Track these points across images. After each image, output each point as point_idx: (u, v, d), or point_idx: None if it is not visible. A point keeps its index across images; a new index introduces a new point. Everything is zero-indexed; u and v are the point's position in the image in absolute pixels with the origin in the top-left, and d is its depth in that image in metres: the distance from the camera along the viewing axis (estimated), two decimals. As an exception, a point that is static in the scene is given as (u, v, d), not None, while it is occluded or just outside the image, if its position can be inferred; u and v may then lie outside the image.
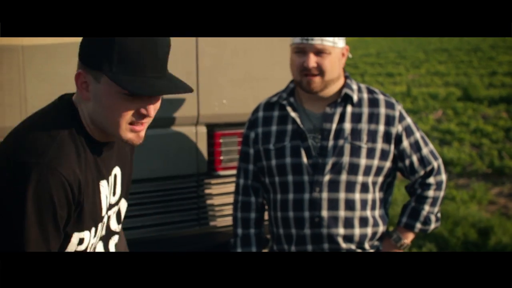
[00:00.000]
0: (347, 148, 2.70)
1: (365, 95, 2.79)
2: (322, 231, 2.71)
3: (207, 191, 3.36)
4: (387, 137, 2.74)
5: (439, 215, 2.83)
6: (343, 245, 2.72)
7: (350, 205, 2.71)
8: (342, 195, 2.70)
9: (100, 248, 2.15)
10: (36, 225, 1.82)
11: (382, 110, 2.76)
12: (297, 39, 2.69)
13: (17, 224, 1.81)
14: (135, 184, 2.99)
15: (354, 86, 2.80)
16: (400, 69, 23.55)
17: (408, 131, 2.78)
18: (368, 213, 2.74)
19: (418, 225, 2.79)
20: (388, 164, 2.76)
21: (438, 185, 2.79)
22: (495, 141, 10.51)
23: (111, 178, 2.08)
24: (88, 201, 1.93)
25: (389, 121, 2.75)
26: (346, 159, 2.69)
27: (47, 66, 2.80)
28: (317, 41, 2.65)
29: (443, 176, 2.81)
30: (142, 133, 1.94)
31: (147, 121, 1.93)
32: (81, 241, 1.96)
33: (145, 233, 3.15)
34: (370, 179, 2.73)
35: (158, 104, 1.93)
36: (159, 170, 3.19)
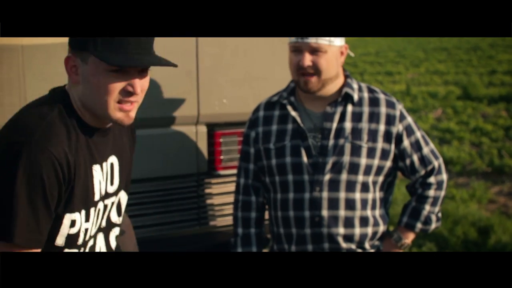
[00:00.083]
0: (347, 148, 2.70)
1: (366, 94, 2.79)
2: (323, 231, 2.70)
3: (207, 190, 3.36)
4: (387, 137, 2.74)
5: (439, 214, 2.82)
6: (343, 244, 2.72)
7: (350, 204, 2.71)
8: (342, 195, 2.70)
9: (100, 239, 2.17)
10: (26, 203, 1.84)
11: (383, 110, 2.75)
12: (293, 38, 2.69)
13: (7, 201, 1.83)
14: (135, 184, 3.00)
15: (355, 85, 2.79)
16: (399, 68, 23.54)
17: (409, 131, 2.77)
18: (369, 212, 2.74)
19: (419, 225, 2.79)
20: (388, 163, 2.75)
21: (439, 184, 2.79)
22: (495, 140, 10.51)
23: (106, 166, 2.11)
24: (79, 182, 1.96)
25: (390, 120, 2.75)
26: (346, 158, 2.69)
27: (47, 66, 2.80)
28: (312, 39, 2.64)
29: (444, 176, 2.81)
30: (132, 113, 1.99)
31: (135, 100, 1.98)
32: (73, 223, 1.98)
33: (145, 232, 3.15)
34: (370, 179, 2.73)
35: (145, 83, 2.00)
36: (159, 169, 3.19)
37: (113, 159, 2.14)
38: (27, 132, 1.87)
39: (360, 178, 2.71)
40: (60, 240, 1.99)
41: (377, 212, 2.78)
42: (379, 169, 2.74)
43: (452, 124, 11.95)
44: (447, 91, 16.37)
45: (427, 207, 2.78)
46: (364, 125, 2.73)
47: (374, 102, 2.77)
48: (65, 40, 2.05)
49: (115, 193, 2.18)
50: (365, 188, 2.73)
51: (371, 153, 2.71)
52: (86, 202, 2.01)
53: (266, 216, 2.96)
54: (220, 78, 3.29)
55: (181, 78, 3.18)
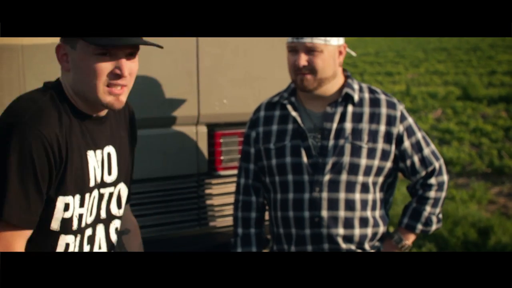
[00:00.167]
0: (347, 148, 2.69)
1: (367, 95, 2.78)
2: (322, 231, 2.70)
3: (207, 191, 3.36)
4: (388, 137, 2.73)
5: (440, 216, 2.82)
6: (343, 245, 2.71)
7: (350, 205, 2.70)
8: (342, 195, 2.69)
9: (100, 230, 2.18)
10: (16, 182, 1.89)
11: (384, 110, 2.75)
12: (289, 38, 2.70)
13: None
14: (135, 184, 2.99)
15: (356, 86, 2.79)
16: (399, 68, 23.55)
17: (410, 131, 2.77)
18: (369, 213, 2.74)
19: (420, 226, 2.79)
20: (389, 164, 2.75)
21: (440, 185, 2.79)
22: (495, 141, 10.51)
23: (102, 154, 2.14)
24: (72, 166, 2.00)
25: (390, 121, 2.74)
26: (346, 159, 2.68)
27: (47, 66, 2.79)
28: (307, 39, 2.64)
29: (445, 177, 2.80)
30: (122, 97, 2.04)
31: (124, 83, 2.03)
32: (66, 207, 2.01)
33: (146, 233, 3.13)
34: (370, 179, 2.72)
35: (134, 66, 2.05)
36: (159, 170, 3.19)
37: (110, 149, 2.17)
38: (18, 114, 1.94)
39: (360, 178, 2.70)
40: (55, 224, 2.02)
41: (377, 213, 2.77)
42: (379, 170, 2.73)
43: (452, 125, 11.96)
44: (447, 92, 16.38)
45: (428, 208, 2.78)
46: (365, 125, 2.72)
47: (374, 102, 2.77)
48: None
49: (114, 184, 2.20)
50: (365, 188, 2.72)
51: (371, 153, 2.71)
52: (80, 187, 2.04)
53: (267, 216, 2.95)
54: (221, 78, 3.28)
55: (182, 78, 3.18)
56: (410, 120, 2.79)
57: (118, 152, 2.21)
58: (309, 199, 2.70)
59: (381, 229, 2.79)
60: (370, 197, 2.74)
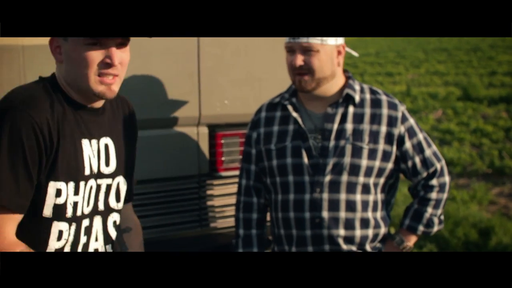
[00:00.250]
0: (348, 149, 2.69)
1: (368, 96, 2.78)
2: (323, 232, 2.69)
3: (208, 192, 3.35)
4: (389, 138, 2.73)
5: (442, 217, 2.81)
6: (344, 246, 2.70)
7: (351, 206, 2.69)
8: (343, 196, 2.69)
9: (98, 222, 2.20)
10: (6, 165, 1.93)
11: (385, 111, 2.74)
12: (287, 39, 2.70)
13: None
14: (136, 185, 2.98)
15: (357, 87, 2.78)
16: (399, 68, 23.57)
17: (411, 132, 2.76)
18: (370, 214, 2.73)
19: (421, 228, 2.78)
20: (390, 165, 2.74)
21: (441, 187, 2.78)
22: (495, 141, 10.52)
23: (98, 144, 2.16)
24: (64, 152, 2.03)
25: (392, 122, 2.74)
26: (347, 159, 2.68)
27: (48, 66, 2.78)
28: (303, 39, 2.64)
29: (447, 178, 2.80)
30: (114, 87, 2.09)
31: (115, 73, 2.07)
32: (58, 193, 2.03)
33: (147, 234, 3.12)
34: (371, 180, 2.72)
35: (124, 56, 2.10)
36: (160, 171, 3.19)
37: (107, 141, 2.20)
38: (9, 100, 1.99)
39: (361, 179, 2.70)
40: (47, 211, 2.04)
41: (378, 214, 2.77)
42: (380, 171, 2.72)
43: (452, 125, 11.97)
44: (447, 92, 16.40)
45: (429, 210, 2.77)
46: (366, 126, 2.72)
47: (376, 103, 2.76)
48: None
49: (111, 176, 2.22)
50: (366, 189, 2.71)
51: (372, 154, 2.70)
52: (74, 174, 2.07)
53: (269, 217, 2.95)
54: (222, 79, 3.28)
55: (183, 79, 3.18)
56: (411, 121, 2.78)
57: (116, 145, 2.24)
58: (310, 200, 2.69)
59: (382, 230, 2.78)
60: (371, 198, 2.73)
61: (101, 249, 2.22)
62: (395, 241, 2.80)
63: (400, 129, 2.74)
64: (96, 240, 2.20)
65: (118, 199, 2.27)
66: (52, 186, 2.02)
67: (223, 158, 3.33)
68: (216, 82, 3.27)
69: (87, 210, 2.13)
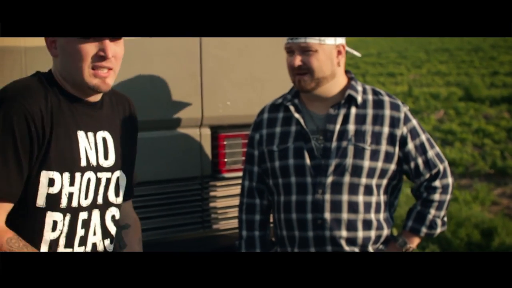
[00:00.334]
0: (350, 150, 2.68)
1: (370, 97, 2.77)
2: (325, 234, 2.68)
3: (211, 193, 3.35)
4: (391, 139, 2.72)
5: (445, 219, 2.80)
6: (346, 248, 2.70)
7: (353, 207, 2.69)
8: (345, 197, 2.68)
9: (96, 216, 2.21)
10: None
11: (387, 112, 2.74)
12: (286, 40, 2.71)
13: None
14: (138, 187, 2.98)
15: (359, 88, 2.78)
16: (401, 69, 23.58)
17: (414, 133, 2.75)
18: (372, 216, 2.72)
19: (424, 230, 2.77)
20: (392, 166, 2.73)
21: (444, 188, 2.77)
22: (497, 142, 10.52)
23: (95, 137, 2.18)
24: (58, 142, 2.05)
25: (394, 123, 2.73)
26: (349, 161, 2.67)
27: (49, 68, 2.79)
28: (301, 39, 2.64)
29: (449, 179, 2.79)
30: (108, 80, 2.12)
31: (109, 66, 2.10)
32: (51, 182, 2.05)
33: (149, 236, 3.13)
34: (374, 182, 2.71)
35: (118, 50, 2.12)
36: (162, 172, 3.18)
37: (105, 134, 2.22)
38: (5, 90, 2.04)
39: (363, 180, 2.69)
40: (40, 200, 2.06)
41: (381, 216, 2.76)
42: (383, 172, 2.72)
43: (454, 126, 11.97)
44: (449, 92, 16.39)
45: (432, 211, 2.76)
46: (368, 127, 2.71)
47: (378, 104, 2.75)
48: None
49: (111, 170, 2.24)
50: (368, 191, 2.71)
51: (374, 155, 2.69)
52: (69, 165, 2.09)
53: (272, 219, 2.94)
54: (224, 80, 3.28)
55: (185, 80, 3.17)
56: (414, 122, 2.78)
57: (115, 140, 2.26)
58: (312, 201, 2.68)
59: (385, 232, 2.77)
60: (373, 199, 2.72)
61: (99, 243, 2.23)
62: (398, 243, 2.79)
63: (402, 130, 2.73)
64: (94, 234, 2.21)
65: (117, 193, 2.28)
66: (45, 176, 2.04)
67: (225, 160, 3.32)
68: (219, 83, 3.26)
69: (85, 203, 2.15)
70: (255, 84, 3.36)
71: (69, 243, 2.12)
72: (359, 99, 2.74)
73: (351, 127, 2.71)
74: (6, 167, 1.97)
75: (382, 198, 2.76)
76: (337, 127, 2.70)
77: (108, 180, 2.23)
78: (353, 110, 2.73)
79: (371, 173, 2.69)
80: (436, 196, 2.76)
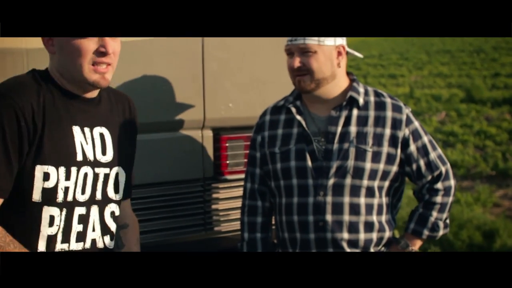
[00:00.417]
0: (352, 152, 2.67)
1: (372, 98, 2.77)
2: (327, 236, 2.68)
3: (213, 195, 3.35)
4: (393, 141, 2.72)
5: (447, 221, 2.79)
6: (348, 250, 2.69)
7: (355, 209, 2.68)
8: (346, 199, 2.67)
9: (94, 212, 2.21)
10: None
11: (389, 114, 2.73)
12: (285, 42, 2.71)
13: None
14: (140, 189, 2.98)
15: (361, 89, 2.77)
16: (402, 70, 23.58)
17: (416, 135, 2.75)
18: (374, 218, 2.71)
19: (426, 232, 2.76)
20: (394, 168, 2.73)
21: (446, 190, 2.76)
22: (499, 143, 10.51)
23: (91, 133, 2.20)
24: (52, 137, 2.06)
25: (396, 124, 2.72)
26: (350, 162, 2.66)
27: (50, 68, 2.80)
28: (300, 40, 2.65)
29: (452, 182, 2.78)
30: (107, 75, 2.14)
31: (109, 62, 2.12)
32: (46, 177, 2.07)
33: (151, 238, 3.13)
34: (375, 184, 2.70)
35: (116, 46, 2.14)
36: (164, 174, 3.18)
37: (102, 130, 2.24)
38: None
39: (365, 182, 2.68)
40: (36, 195, 2.07)
41: (383, 218, 2.75)
42: (385, 174, 2.71)
43: (456, 127, 11.96)
44: (451, 94, 16.39)
45: (434, 214, 2.75)
46: (370, 129, 2.71)
47: (380, 106, 2.75)
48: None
49: (109, 166, 2.25)
50: (370, 193, 2.70)
51: (376, 157, 2.69)
52: (64, 159, 2.10)
53: (274, 221, 2.94)
54: (226, 82, 3.28)
55: (187, 82, 3.17)
56: (416, 123, 2.77)
57: (113, 136, 2.27)
58: (314, 203, 2.68)
59: (387, 234, 2.77)
60: (375, 201, 2.72)
61: (98, 239, 2.24)
62: (400, 245, 2.78)
63: (404, 131, 2.72)
64: (93, 230, 2.22)
65: (116, 189, 2.29)
66: (39, 170, 2.05)
67: (227, 161, 3.32)
68: (221, 85, 3.26)
69: (81, 198, 2.16)
70: (257, 86, 3.36)
71: (66, 238, 2.13)
72: (361, 100, 2.73)
73: (353, 129, 2.70)
74: None
75: (384, 200, 2.76)
76: (339, 129, 2.70)
77: (107, 176, 2.24)
78: (355, 112, 2.73)
79: (372, 175, 2.69)
80: (438, 198, 2.76)
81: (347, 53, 2.78)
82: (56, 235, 2.11)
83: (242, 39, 3.28)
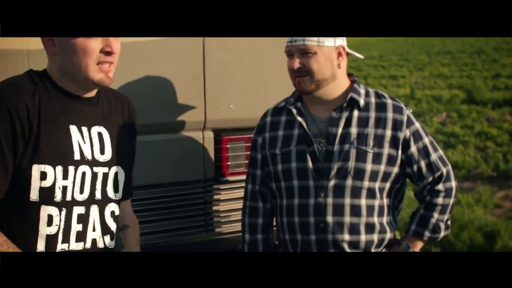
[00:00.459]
0: (352, 153, 2.67)
1: (373, 100, 2.77)
2: (327, 237, 2.68)
3: (214, 196, 3.35)
4: (394, 142, 2.71)
5: (449, 222, 2.79)
6: (349, 251, 2.69)
7: (355, 210, 2.68)
8: (347, 201, 2.67)
9: (94, 211, 2.22)
10: None
11: (390, 115, 2.73)
12: (285, 43, 2.71)
13: None
14: (141, 190, 2.98)
15: (362, 91, 2.77)
16: (403, 71, 23.58)
17: (416, 136, 2.75)
18: (375, 219, 2.71)
19: (427, 233, 2.76)
20: (395, 169, 2.73)
21: (448, 192, 2.76)
22: (500, 144, 10.51)
23: (89, 132, 2.20)
24: (49, 136, 2.06)
25: (397, 125, 2.72)
26: (351, 164, 2.66)
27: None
28: (300, 41, 2.65)
29: (453, 183, 2.78)
30: (111, 74, 2.15)
31: (112, 61, 2.14)
32: (43, 176, 2.06)
33: (151, 239, 3.13)
34: (376, 185, 2.70)
35: (118, 45, 2.14)
36: (165, 175, 3.18)
37: (101, 129, 2.24)
38: None
39: (366, 184, 2.68)
40: (33, 194, 2.07)
41: (384, 219, 2.75)
42: (386, 175, 2.71)
43: (457, 128, 11.96)
44: (451, 95, 16.39)
45: (436, 215, 2.75)
46: (370, 130, 2.70)
47: (381, 107, 2.75)
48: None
49: (108, 165, 2.25)
50: (371, 194, 2.70)
51: (377, 158, 2.68)
52: (62, 158, 2.10)
53: (275, 222, 2.94)
54: (227, 84, 3.28)
55: (188, 83, 3.17)
56: (417, 124, 2.77)
57: (112, 135, 2.27)
58: (314, 205, 2.68)
59: (388, 235, 2.76)
60: (376, 202, 2.71)
61: (98, 239, 2.24)
62: (401, 247, 2.78)
63: (405, 133, 2.72)
64: (94, 230, 2.22)
65: (116, 189, 2.29)
66: (36, 169, 2.05)
67: (228, 163, 3.32)
68: (222, 86, 3.26)
69: (80, 197, 2.16)
70: (258, 87, 3.36)
71: (66, 238, 2.13)
72: (362, 102, 2.73)
73: (354, 130, 2.70)
74: None
75: (385, 201, 2.75)
76: (340, 130, 2.70)
77: (106, 175, 2.24)
78: (356, 113, 2.73)
79: (373, 176, 2.68)
80: (440, 200, 2.75)
81: (348, 54, 2.78)
82: (56, 235, 2.11)
83: (243, 40, 3.28)
